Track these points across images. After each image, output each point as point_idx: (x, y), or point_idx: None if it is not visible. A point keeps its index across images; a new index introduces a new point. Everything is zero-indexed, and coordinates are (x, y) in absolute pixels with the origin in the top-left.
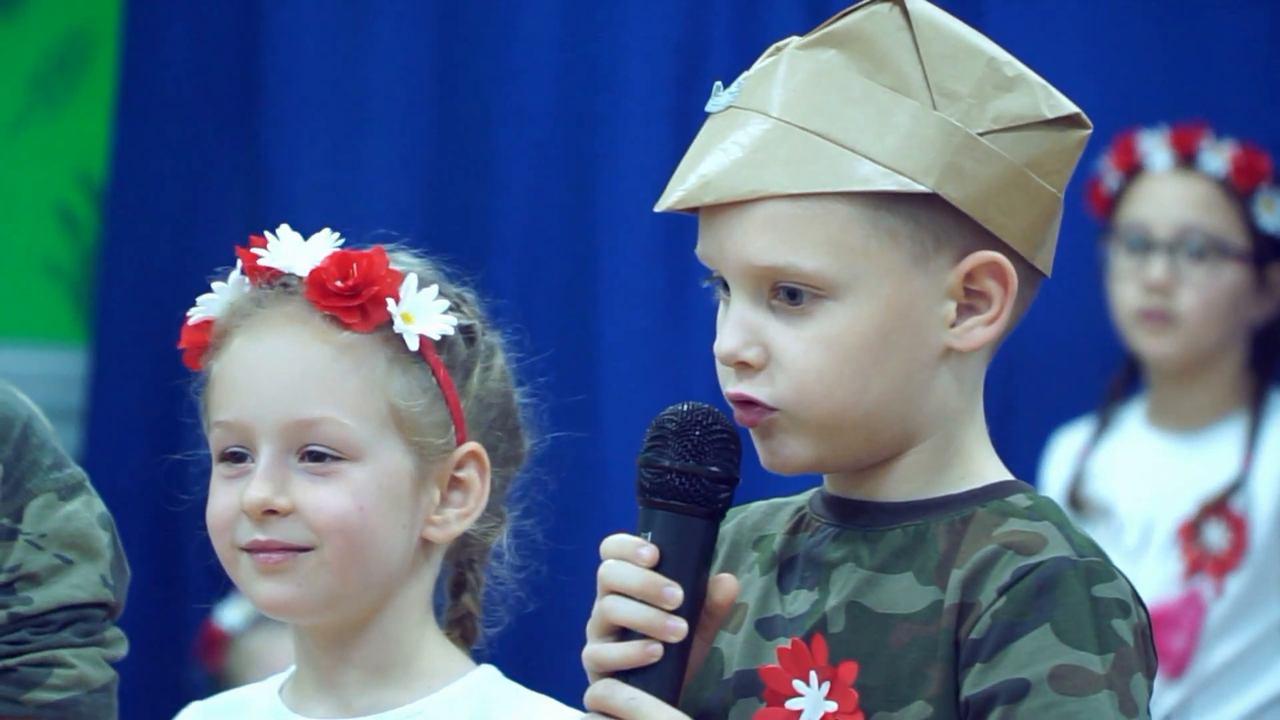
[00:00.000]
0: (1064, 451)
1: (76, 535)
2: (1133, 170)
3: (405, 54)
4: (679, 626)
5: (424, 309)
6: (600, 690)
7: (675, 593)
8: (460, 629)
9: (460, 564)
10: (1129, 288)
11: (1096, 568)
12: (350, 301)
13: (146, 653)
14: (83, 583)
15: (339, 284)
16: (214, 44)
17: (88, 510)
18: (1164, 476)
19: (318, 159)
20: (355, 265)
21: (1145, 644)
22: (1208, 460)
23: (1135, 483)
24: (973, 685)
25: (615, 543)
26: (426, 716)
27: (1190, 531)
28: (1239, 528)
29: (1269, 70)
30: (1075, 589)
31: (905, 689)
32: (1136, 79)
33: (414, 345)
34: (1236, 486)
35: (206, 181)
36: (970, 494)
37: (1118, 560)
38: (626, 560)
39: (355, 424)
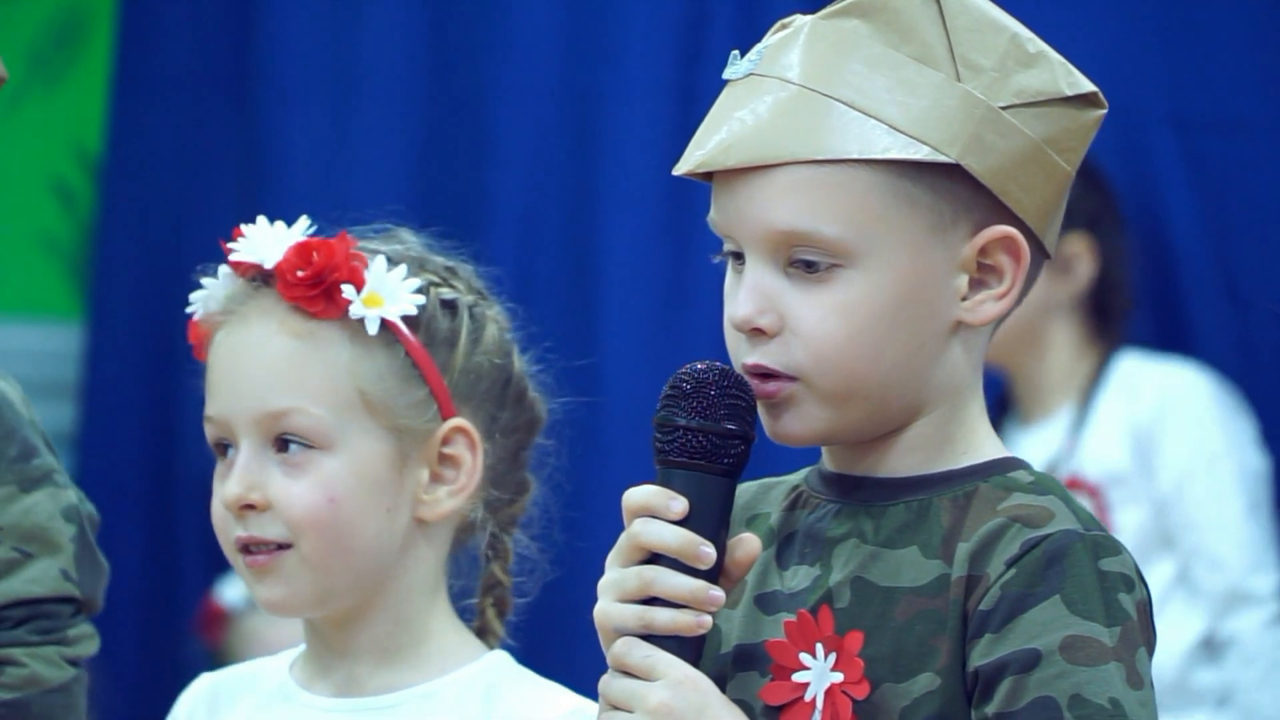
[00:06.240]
0: None
1: (36, 528)
2: None
3: (401, 29)
4: (719, 597)
5: (393, 290)
6: (619, 648)
7: (710, 552)
8: (492, 597)
9: (490, 534)
10: None
11: (1103, 541)
12: (312, 290)
13: (144, 626)
14: (40, 577)
15: (300, 274)
16: (210, 20)
17: (51, 502)
18: None
19: (313, 134)
20: (315, 253)
21: (1147, 620)
22: (1047, 441)
23: None
24: (982, 655)
25: (641, 495)
26: (437, 698)
27: None
28: (1095, 493)
29: (1268, 57)
30: (1083, 561)
31: (912, 661)
32: (1138, 64)
33: (373, 330)
34: (1061, 458)
35: (202, 157)
36: (972, 469)
37: None
38: (655, 513)
39: (323, 412)
